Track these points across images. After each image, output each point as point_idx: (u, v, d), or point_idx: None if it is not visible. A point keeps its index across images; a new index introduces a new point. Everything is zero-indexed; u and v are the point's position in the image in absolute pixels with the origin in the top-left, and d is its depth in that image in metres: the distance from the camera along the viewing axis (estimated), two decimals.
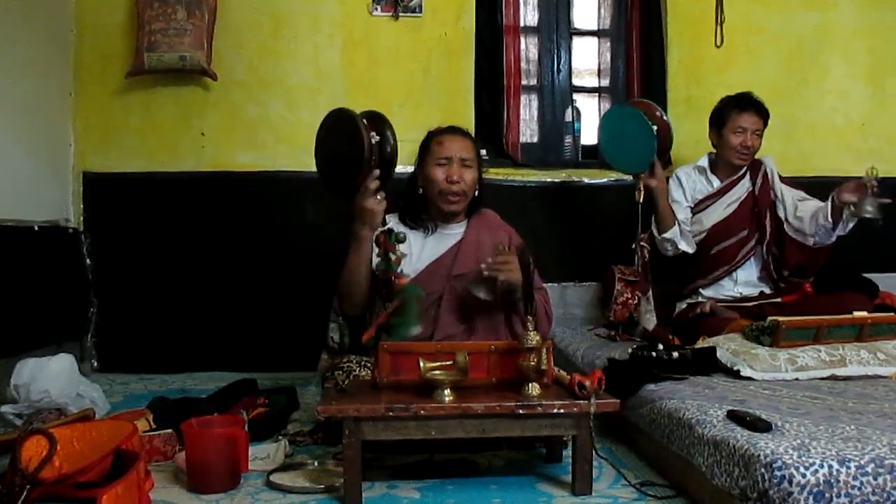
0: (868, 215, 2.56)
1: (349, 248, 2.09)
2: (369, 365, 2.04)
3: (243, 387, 2.57)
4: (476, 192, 2.31)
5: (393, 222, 2.23)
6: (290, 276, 3.24)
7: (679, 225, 2.87)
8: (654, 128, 2.75)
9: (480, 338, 2.13)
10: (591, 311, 3.33)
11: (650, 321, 2.93)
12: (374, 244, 2.07)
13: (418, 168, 2.32)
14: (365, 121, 1.98)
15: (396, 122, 3.24)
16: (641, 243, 2.91)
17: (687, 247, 2.88)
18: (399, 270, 2.02)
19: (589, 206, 3.41)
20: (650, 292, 2.97)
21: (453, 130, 2.32)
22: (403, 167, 3.11)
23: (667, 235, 2.86)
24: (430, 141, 2.30)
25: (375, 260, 2.07)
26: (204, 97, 3.27)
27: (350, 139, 1.95)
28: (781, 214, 2.88)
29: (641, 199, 2.82)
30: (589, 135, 3.56)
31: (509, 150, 3.40)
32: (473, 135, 2.60)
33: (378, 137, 1.97)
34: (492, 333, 2.18)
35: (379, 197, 2.00)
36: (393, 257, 2.01)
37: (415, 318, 1.99)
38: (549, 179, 3.40)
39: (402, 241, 2.05)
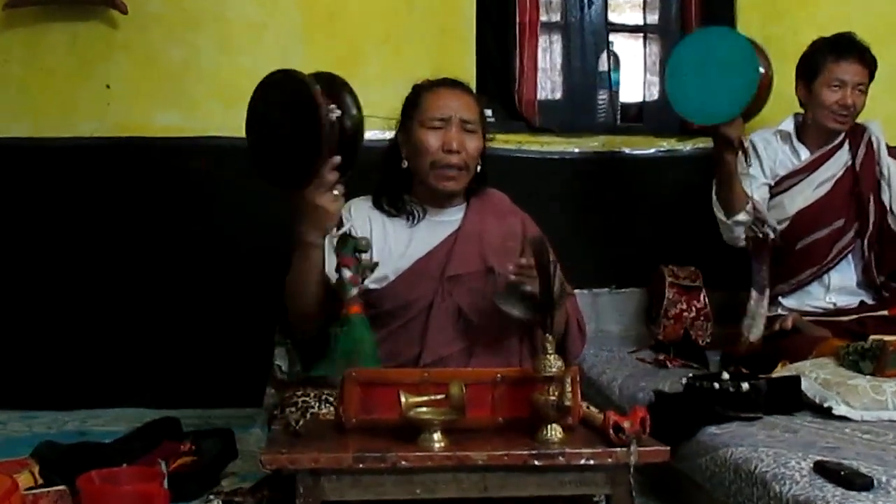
0: None
1: (293, 255, 2.07)
2: (332, 399, 2.04)
3: (162, 428, 2.58)
4: (479, 167, 2.31)
5: (357, 215, 2.23)
6: (227, 281, 3.24)
7: (754, 205, 2.86)
8: (761, 71, 2.71)
9: (483, 361, 2.14)
10: (633, 327, 3.36)
11: (755, 330, 2.87)
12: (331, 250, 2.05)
13: (401, 133, 2.31)
14: (318, 88, 1.92)
15: (371, 71, 3.34)
16: (756, 213, 2.83)
17: (769, 230, 2.86)
18: (353, 293, 1.98)
19: (630, 186, 3.42)
20: (766, 291, 2.92)
21: (451, 83, 2.32)
22: (381, 132, 3.14)
23: (739, 218, 2.84)
24: (419, 97, 2.29)
25: (334, 275, 2.04)
26: (110, 37, 3.26)
27: (300, 118, 1.91)
28: (886, 199, 2.90)
29: (745, 147, 2.76)
30: (631, 89, 3.57)
31: (523, 111, 3.41)
32: (475, 89, 2.60)
33: (339, 112, 1.93)
34: (499, 355, 2.18)
35: (336, 192, 1.98)
36: (348, 274, 1.97)
37: (371, 359, 1.97)
38: (576, 149, 3.41)
39: (365, 249, 2.03)
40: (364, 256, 2.02)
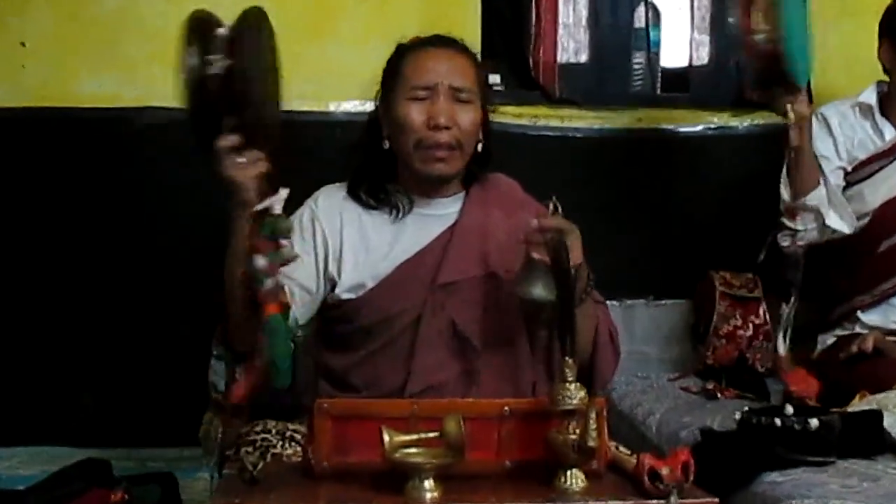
0: None
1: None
2: (299, 436, 2.04)
3: (88, 472, 2.58)
4: (480, 146, 2.31)
5: (325, 206, 2.27)
6: (171, 289, 3.22)
7: (827, 187, 2.85)
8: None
9: (487, 390, 2.14)
10: (675, 347, 3.37)
11: (781, 344, 2.90)
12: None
13: (382, 106, 2.32)
14: (221, 30, 1.93)
15: (349, 27, 3.34)
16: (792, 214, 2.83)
17: (842, 224, 2.86)
18: (267, 286, 1.93)
19: (672, 171, 3.43)
20: (791, 302, 2.95)
21: (439, 42, 2.33)
22: (360, 102, 3.14)
23: (809, 200, 2.81)
24: (402, 60, 2.30)
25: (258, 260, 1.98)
26: None
27: (183, 71, 1.94)
28: None
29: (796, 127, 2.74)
30: (674, 50, 3.56)
31: (540, 77, 3.42)
32: (479, 50, 2.60)
33: (227, 62, 1.90)
34: (507, 381, 2.20)
35: (240, 158, 1.95)
36: (261, 262, 1.91)
37: (280, 366, 1.93)
38: (606, 125, 3.42)
39: (287, 234, 1.97)
40: (285, 243, 1.96)
